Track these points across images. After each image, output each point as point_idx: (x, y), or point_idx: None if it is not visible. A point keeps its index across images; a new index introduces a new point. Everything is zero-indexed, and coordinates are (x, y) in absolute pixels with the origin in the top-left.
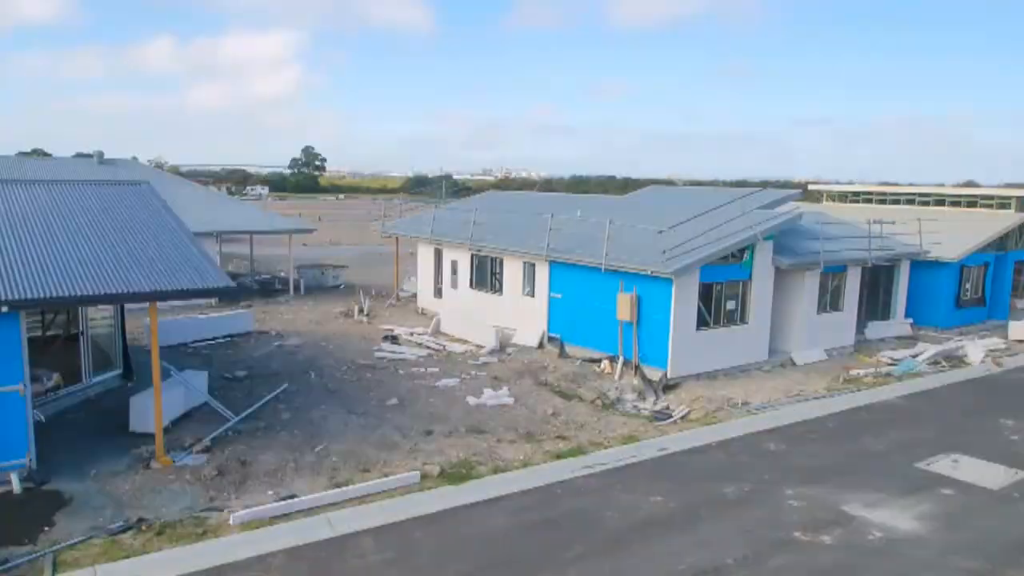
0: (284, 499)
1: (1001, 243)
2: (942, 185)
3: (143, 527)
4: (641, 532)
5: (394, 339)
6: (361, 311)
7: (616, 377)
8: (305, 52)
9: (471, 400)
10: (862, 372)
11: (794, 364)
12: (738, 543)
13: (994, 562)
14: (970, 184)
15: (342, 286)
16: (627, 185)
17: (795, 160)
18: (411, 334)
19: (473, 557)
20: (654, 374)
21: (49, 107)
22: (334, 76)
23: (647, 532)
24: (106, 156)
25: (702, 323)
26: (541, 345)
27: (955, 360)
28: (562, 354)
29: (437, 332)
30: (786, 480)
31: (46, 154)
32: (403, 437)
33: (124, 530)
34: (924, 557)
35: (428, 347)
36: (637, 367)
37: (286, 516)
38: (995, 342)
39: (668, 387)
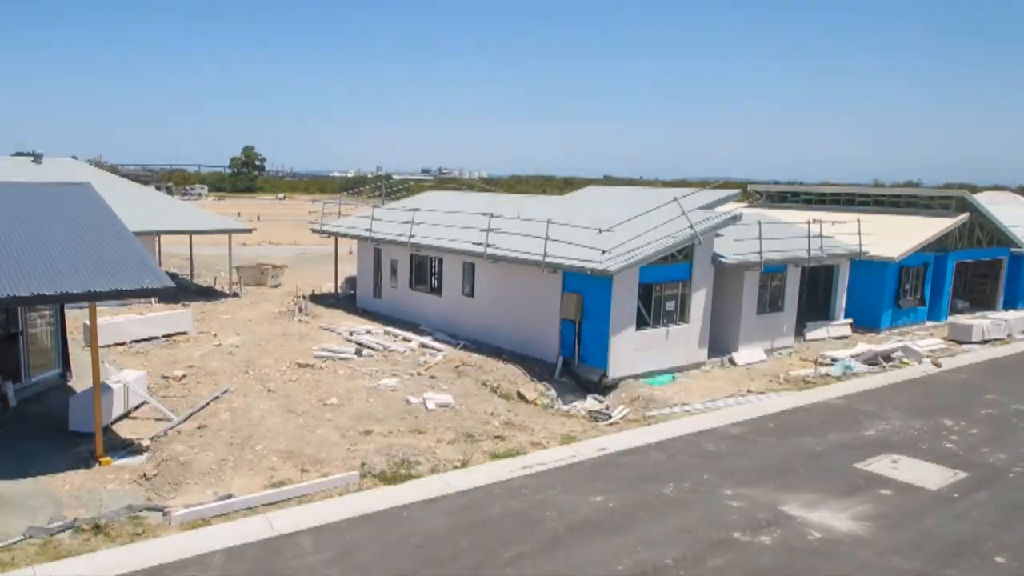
0: (223, 499)
1: (941, 244)
2: (882, 185)
3: (82, 527)
4: (580, 532)
5: (361, 347)
6: (300, 311)
7: (556, 377)
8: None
9: (411, 400)
10: (802, 372)
11: (734, 364)
12: (677, 543)
13: (933, 562)
14: (910, 185)
15: (281, 286)
16: (566, 185)
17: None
18: (351, 333)
19: (412, 557)
20: (594, 374)
21: None
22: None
23: (586, 532)
24: (45, 155)
25: (642, 323)
26: (482, 344)
27: (894, 360)
28: (502, 353)
29: (377, 331)
30: (725, 480)
31: None
32: (342, 437)
33: (62, 530)
34: (862, 557)
35: (368, 346)
36: (577, 367)
37: (225, 516)
38: (935, 342)
39: (608, 387)
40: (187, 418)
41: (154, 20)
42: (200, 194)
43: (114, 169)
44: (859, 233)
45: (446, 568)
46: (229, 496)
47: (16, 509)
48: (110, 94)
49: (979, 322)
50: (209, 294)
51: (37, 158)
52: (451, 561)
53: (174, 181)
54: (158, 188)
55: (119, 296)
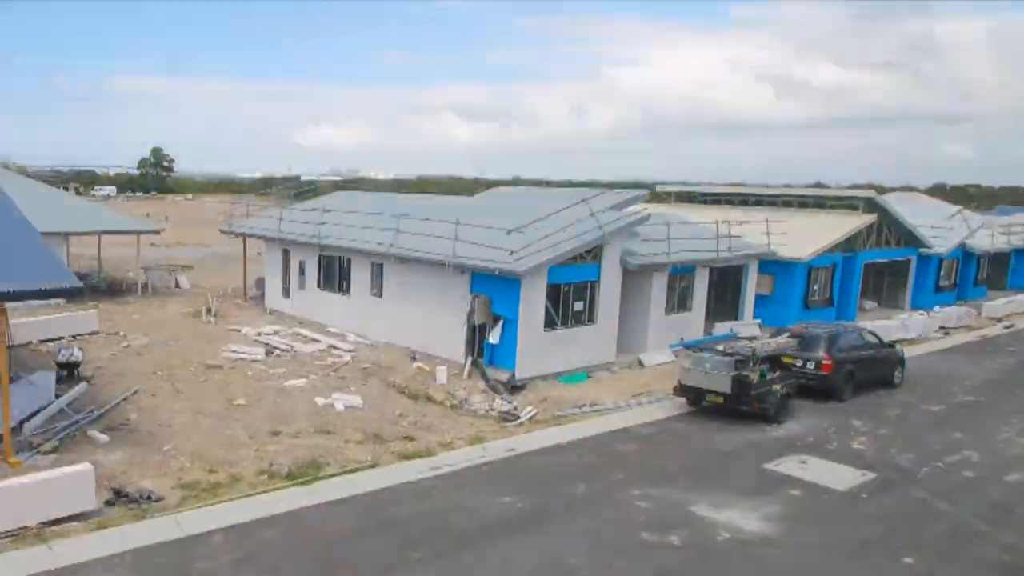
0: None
1: (849, 244)
2: (790, 186)
3: None
4: (489, 533)
5: (270, 348)
6: (209, 311)
7: (464, 377)
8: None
9: (319, 400)
10: None
11: (642, 365)
12: (586, 544)
13: (842, 562)
14: (819, 186)
15: (190, 286)
16: (475, 186)
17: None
18: (259, 334)
19: (322, 557)
20: (502, 375)
21: None
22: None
23: (495, 533)
24: None
25: (550, 324)
26: (389, 344)
27: None
28: (411, 355)
29: (286, 332)
30: (634, 481)
31: None
32: (251, 438)
33: None
34: (771, 557)
35: (277, 347)
36: (486, 368)
37: (137, 517)
38: None
39: (516, 388)
40: (96, 419)
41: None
42: (109, 195)
43: (22, 170)
44: (768, 233)
45: (355, 570)
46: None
47: None
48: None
49: (886, 323)
50: (118, 294)
51: None
52: (360, 562)
53: (83, 182)
54: (67, 189)
55: (27, 296)
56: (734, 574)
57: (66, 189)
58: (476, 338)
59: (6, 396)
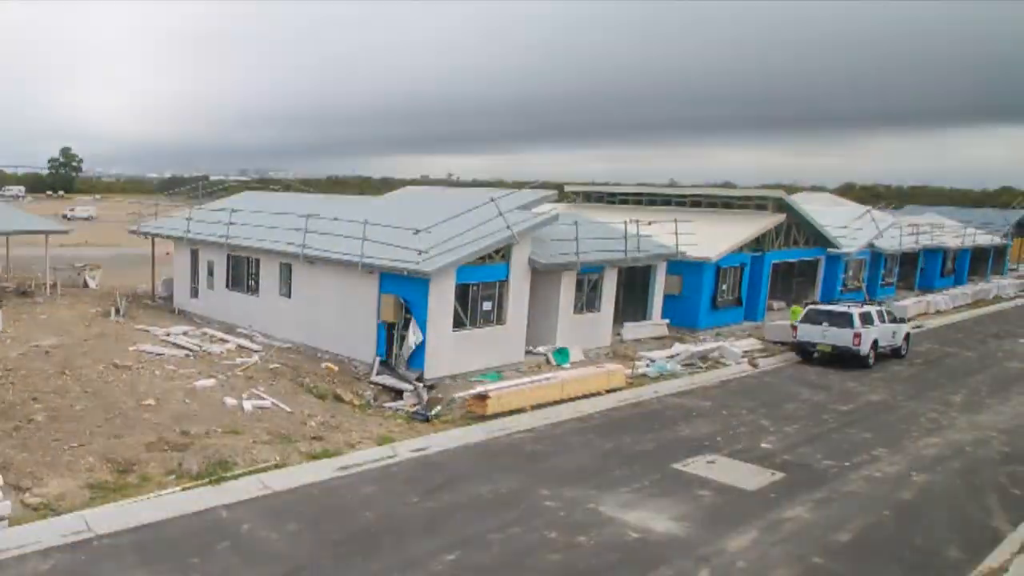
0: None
1: (758, 244)
2: (700, 186)
3: None
4: (398, 532)
5: (178, 348)
6: (118, 311)
7: (373, 377)
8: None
9: (228, 400)
10: (615, 370)
11: (551, 364)
12: (495, 543)
13: (749, 560)
14: (728, 185)
15: (98, 287)
16: (384, 185)
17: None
18: (168, 334)
19: (228, 558)
20: (412, 375)
21: None
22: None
23: (404, 532)
24: None
25: (459, 323)
26: (298, 345)
27: (712, 361)
28: (319, 355)
29: (194, 332)
30: (543, 481)
31: None
32: (159, 438)
33: None
34: (680, 557)
35: (185, 347)
36: (395, 368)
37: (45, 516)
38: (752, 343)
39: (425, 387)
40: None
41: None
42: (18, 195)
43: None
44: (676, 233)
45: (265, 568)
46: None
47: None
48: None
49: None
50: (26, 294)
51: None
52: (270, 562)
53: None
54: None
55: None
56: (643, 573)
57: None
58: (386, 338)
59: None
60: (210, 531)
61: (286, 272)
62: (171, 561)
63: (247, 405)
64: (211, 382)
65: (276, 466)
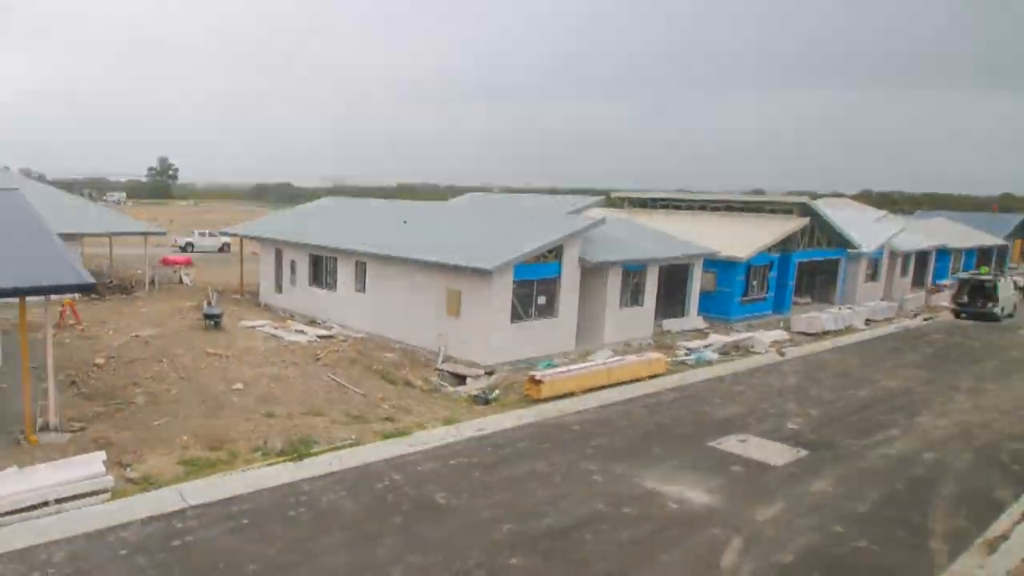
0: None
1: (784, 245)
2: (732, 192)
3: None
4: (460, 504)
5: (265, 338)
6: (209, 305)
7: (439, 364)
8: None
9: (309, 385)
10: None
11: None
12: (550, 513)
13: (776, 529)
14: (757, 192)
15: (191, 283)
16: (449, 191)
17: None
18: (253, 328)
19: (311, 525)
20: (474, 362)
21: None
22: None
23: (465, 504)
24: None
25: (516, 316)
26: (372, 335)
27: (743, 350)
28: (390, 343)
29: (278, 324)
30: (591, 458)
31: None
32: (247, 419)
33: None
34: (714, 526)
35: (274, 336)
36: (458, 356)
37: (144, 489)
38: (780, 334)
39: (486, 373)
40: (108, 400)
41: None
42: (119, 201)
43: (42, 178)
44: (705, 236)
45: (341, 534)
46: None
47: None
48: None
49: (818, 315)
50: (127, 291)
51: None
52: (345, 529)
53: (96, 189)
54: (82, 195)
55: (45, 291)
56: (683, 539)
57: (81, 195)
58: (450, 329)
59: (27, 381)
60: (292, 503)
61: (361, 269)
62: (257, 529)
63: (326, 389)
64: (294, 368)
65: (352, 444)
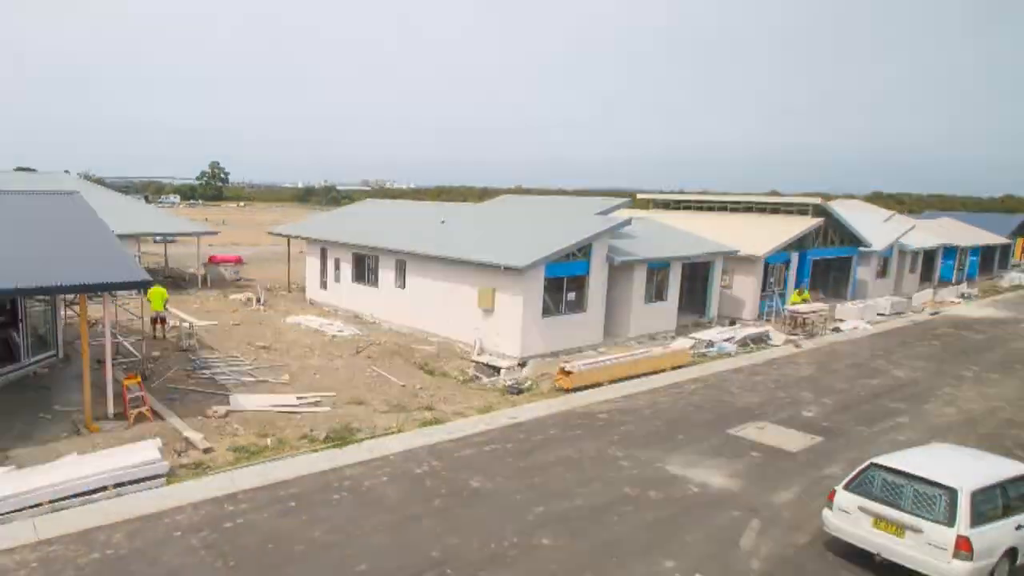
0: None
1: (800, 243)
2: (750, 193)
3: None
4: (496, 487)
5: (310, 331)
6: (258, 301)
7: (474, 356)
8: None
9: (352, 375)
10: (684, 348)
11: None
12: (579, 496)
13: (792, 512)
14: (774, 193)
15: (241, 280)
16: (484, 193)
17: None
18: (299, 322)
19: (354, 507)
20: (507, 354)
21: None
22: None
23: (499, 488)
24: (41, 169)
25: (547, 311)
26: (411, 329)
27: (761, 343)
28: (429, 337)
29: (323, 318)
30: (618, 444)
31: None
32: (296, 415)
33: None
34: (734, 508)
35: (316, 331)
36: (493, 348)
37: (197, 474)
38: (795, 329)
39: (519, 365)
40: (161, 389)
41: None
42: (173, 203)
43: (100, 181)
44: (722, 234)
45: (382, 516)
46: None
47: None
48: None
49: (875, 302)
50: (181, 287)
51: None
52: (386, 512)
53: (151, 191)
54: (138, 198)
55: (104, 288)
56: (704, 520)
57: (137, 198)
58: (485, 323)
59: (87, 372)
60: (336, 487)
61: (401, 267)
62: (302, 511)
63: (368, 380)
64: (338, 360)
65: (393, 432)
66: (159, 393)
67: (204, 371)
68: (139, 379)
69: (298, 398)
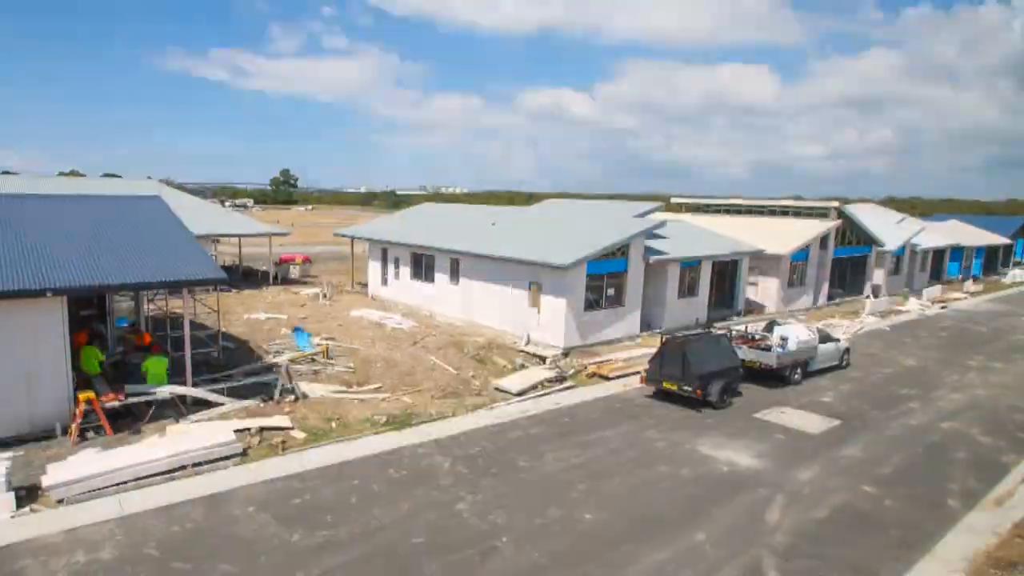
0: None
1: (823, 243)
2: (775, 198)
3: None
4: (539, 465)
5: (372, 323)
6: (325, 296)
7: (521, 347)
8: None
9: (411, 364)
10: None
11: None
12: (616, 474)
13: (813, 488)
14: (798, 198)
15: (308, 277)
16: (530, 198)
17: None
18: (362, 316)
19: (411, 481)
20: (552, 345)
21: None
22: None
23: (543, 465)
24: (126, 176)
25: (589, 305)
26: (464, 322)
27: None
28: (480, 329)
29: (385, 312)
30: (653, 427)
31: (80, 175)
32: (358, 397)
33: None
34: (760, 485)
35: (378, 323)
36: (539, 339)
37: (270, 455)
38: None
39: (563, 355)
40: (227, 373)
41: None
42: (247, 206)
43: (180, 187)
44: (747, 235)
45: (436, 494)
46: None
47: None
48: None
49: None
50: (254, 283)
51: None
52: (439, 483)
53: (226, 195)
54: (215, 202)
55: (186, 284)
56: (732, 494)
57: (214, 202)
58: (532, 316)
59: (188, 357)
60: (396, 463)
61: (455, 266)
62: (364, 488)
63: (425, 368)
64: (397, 351)
65: (447, 416)
66: (232, 379)
67: (274, 360)
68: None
69: (360, 385)
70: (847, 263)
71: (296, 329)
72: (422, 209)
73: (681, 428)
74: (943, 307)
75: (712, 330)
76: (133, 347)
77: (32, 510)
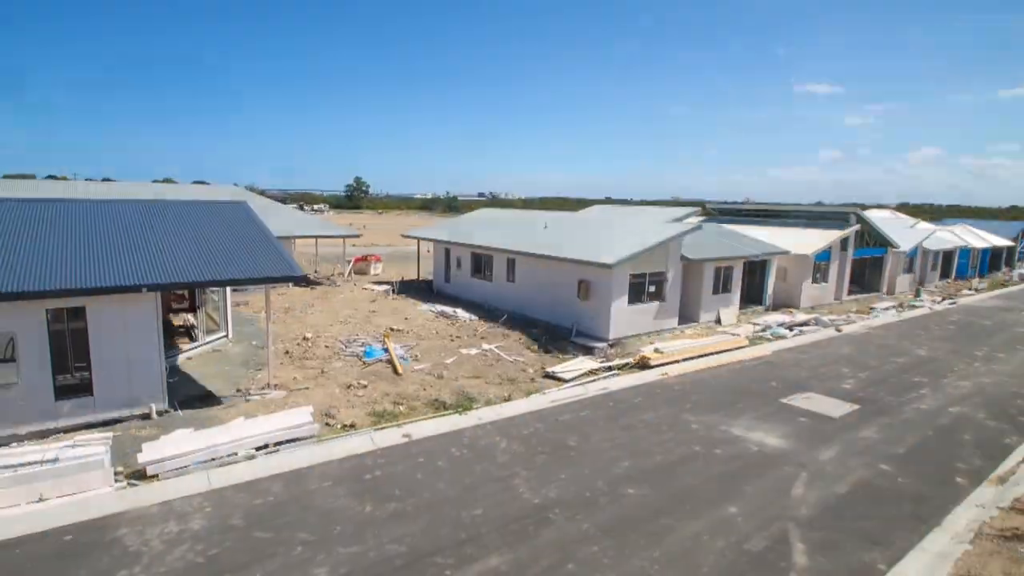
0: (346, 426)
1: (843, 244)
2: (799, 204)
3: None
4: (589, 446)
5: (437, 316)
6: (393, 291)
7: (572, 337)
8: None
9: (471, 352)
10: (746, 332)
11: (697, 322)
12: (658, 451)
13: (834, 467)
14: (820, 204)
15: (379, 274)
16: (578, 204)
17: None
18: (427, 309)
19: (470, 459)
20: (600, 337)
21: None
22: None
23: (592, 446)
24: (213, 183)
25: (632, 300)
26: (519, 316)
27: (809, 327)
28: (534, 322)
29: (447, 307)
30: (689, 411)
31: (172, 181)
32: (421, 381)
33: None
34: (786, 463)
35: (442, 316)
36: (587, 332)
37: (341, 435)
38: (836, 317)
39: (609, 345)
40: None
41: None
42: (322, 210)
43: (263, 192)
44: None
45: (494, 470)
46: (352, 425)
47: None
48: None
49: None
50: (329, 280)
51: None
52: (498, 466)
53: (304, 201)
54: (293, 206)
55: (268, 281)
56: (763, 469)
57: (294, 208)
58: (581, 310)
59: (269, 347)
60: (456, 444)
61: (511, 264)
62: (429, 465)
63: (483, 357)
64: (458, 341)
65: (504, 400)
66: (312, 369)
67: (348, 350)
68: None
69: (426, 373)
70: (864, 263)
71: (368, 350)
72: (481, 214)
73: (715, 411)
74: (952, 303)
75: None
76: None
77: (130, 484)
